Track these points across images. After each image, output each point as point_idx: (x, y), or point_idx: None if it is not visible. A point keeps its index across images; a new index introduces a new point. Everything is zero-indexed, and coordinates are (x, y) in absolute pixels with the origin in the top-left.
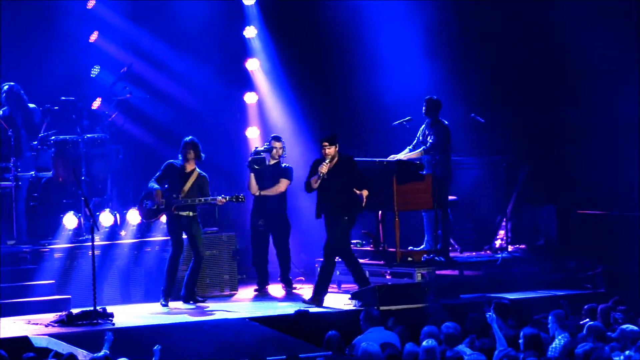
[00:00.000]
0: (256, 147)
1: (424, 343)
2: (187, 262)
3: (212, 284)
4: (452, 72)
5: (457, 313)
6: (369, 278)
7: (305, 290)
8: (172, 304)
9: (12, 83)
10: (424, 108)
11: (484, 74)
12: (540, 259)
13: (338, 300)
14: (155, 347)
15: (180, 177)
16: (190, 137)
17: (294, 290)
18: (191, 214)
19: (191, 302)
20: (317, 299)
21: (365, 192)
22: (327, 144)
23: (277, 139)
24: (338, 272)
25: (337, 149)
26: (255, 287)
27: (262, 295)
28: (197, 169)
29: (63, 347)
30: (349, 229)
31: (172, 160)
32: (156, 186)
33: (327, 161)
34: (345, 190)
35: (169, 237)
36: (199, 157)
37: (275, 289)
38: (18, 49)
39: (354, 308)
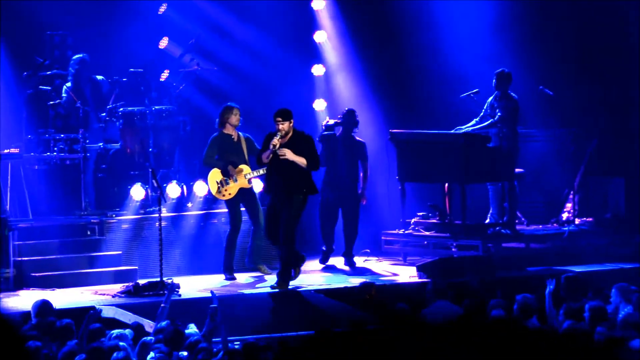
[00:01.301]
0: (327, 121)
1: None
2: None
3: (274, 256)
4: (521, 44)
5: (524, 286)
6: (436, 250)
7: (372, 263)
8: (237, 275)
9: (81, 55)
10: (494, 81)
11: (553, 47)
12: (608, 232)
13: (404, 273)
14: (211, 290)
15: (232, 147)
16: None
17: (358, 265)
18: (249, 185)
19: (256, 270)
20: (283, 284)
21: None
22: (280, 119)
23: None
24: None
25: (291, 124)
26: (320, 258)
27: (327, 267)
28: (240, 133)
29: (129, 318)
30: (302, 210)
31: (214, 134)
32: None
33: (278, 135)
34: (297, 168)
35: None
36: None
37: (340, 262)
38: (87, 22)
39: (420, 280)
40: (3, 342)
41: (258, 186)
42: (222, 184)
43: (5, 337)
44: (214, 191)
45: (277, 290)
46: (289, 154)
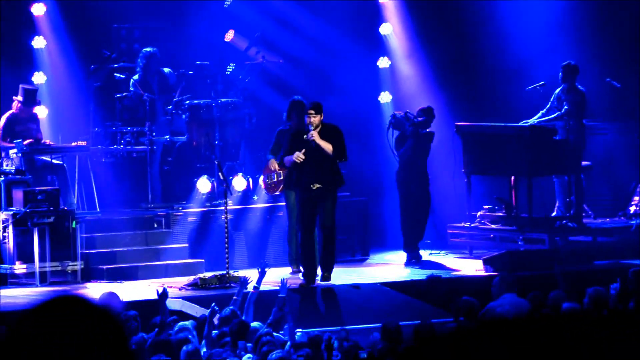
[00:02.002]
0: (394, 113)
1: None
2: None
3: (343, 249)
4: (587, 35)
5: (591, 280)
6: (502, 243)
7: (440, 257)
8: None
9: (150, 49)
10: (560, 74)
11: (620, 38)
12: None
13: (470, 266)
14: (282, 279)
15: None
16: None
17: (424, 259)
18: None
19: None
20: (309, 281)
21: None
22: (312, 112)
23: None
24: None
25: (321, 118)
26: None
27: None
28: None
29: (196, 310)
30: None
31: (281, 127)
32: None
33: (312, 128)
34: (330, 160)
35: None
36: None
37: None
38: (153, 15)
39: (486, 273)
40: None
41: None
42: (270, 177)
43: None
44: (261, 181)
45: (328, 282)
46: (316, 137)
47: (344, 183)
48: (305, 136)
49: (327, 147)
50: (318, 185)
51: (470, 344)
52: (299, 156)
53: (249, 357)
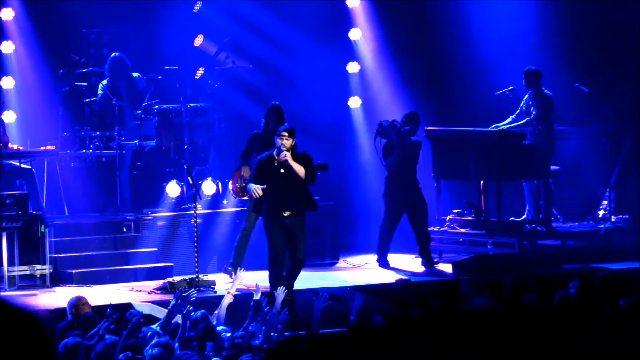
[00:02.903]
0: (380, 122)
1: None
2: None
3: (313, 253)
4: (557, 41)
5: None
6: (471, 248)
7: (409, 261)
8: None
9: (118, 53)
10: (523, 81)
11: (589, 43)
12: None
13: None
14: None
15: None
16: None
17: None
18: None
19: None
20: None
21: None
22: (286, 134)
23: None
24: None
25: (293, 143)
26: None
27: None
28: None
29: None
30: None
31: (255, 131)
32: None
33: (284, 149)
34: (304, 188)
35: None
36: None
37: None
38: (122, 20)
39: (455, 278)
40: (33, 341)
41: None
42: (240, 181)
43: (36, 336)
44: (231, 184)
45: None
46: (289, 158)
47: (317, 208)
48: (276, 158)
49: (300, 169)
50: (289, 213)
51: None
52: (257, 191)
53: None
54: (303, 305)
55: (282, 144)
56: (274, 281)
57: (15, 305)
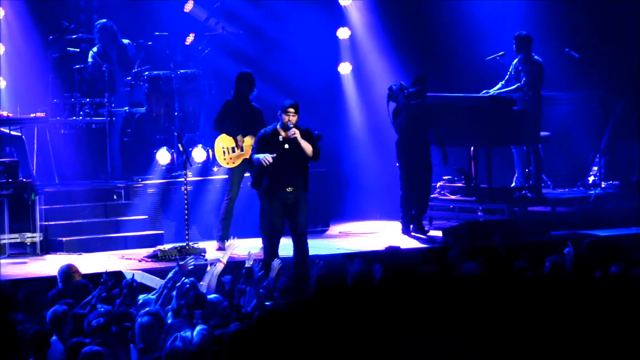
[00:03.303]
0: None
1: None
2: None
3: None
4: (548, 6)
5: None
6: (461, 214)
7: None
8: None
9: (104, 20)
10: (514, 45)
11: (580, 8)
12: (635, 195)
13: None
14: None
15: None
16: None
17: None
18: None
19: None
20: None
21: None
22: (292, 110)
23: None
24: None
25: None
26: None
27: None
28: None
29: (156, 282)
30: None
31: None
32: None
33: (292, 125)
34: (306, 165)
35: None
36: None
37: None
38: None
39: (445, 245)
40: None
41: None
42: (227, 150)
43: None
44: (218, 156)
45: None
46: (298, 135)
47: (307, 190)
48: (281, 136)
49: (307, 147)
50: (292, 188)
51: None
52: (266, 159)
53: (202, 327)
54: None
55: (288, 120)
56: (270, 253)
57: None
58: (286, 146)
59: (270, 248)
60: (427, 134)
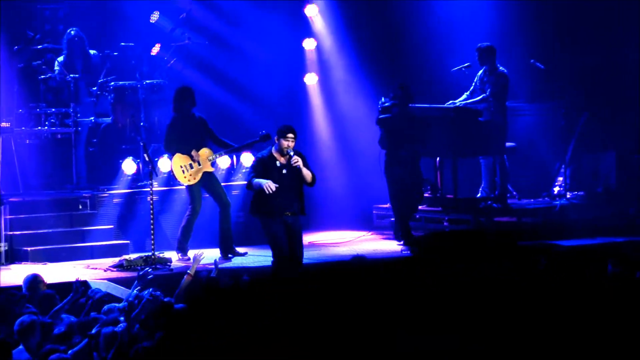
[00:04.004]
0: (383, 102)
1: None
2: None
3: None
4: (514, 16)
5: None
6: (427, 225)
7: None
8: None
9: (74, 29)
10: (477, 57)
11: (544, 18)
12: (600, 205)
13: (395, 247)
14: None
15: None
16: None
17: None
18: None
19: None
20: None
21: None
22: (292, 136)
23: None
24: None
25: None
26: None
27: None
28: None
29: (122, 292)
30: None
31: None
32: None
33: (292, 152)
34: (302, 189)
35: (226, 184)
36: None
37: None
38: None
39: (412, 254)
40: None
41: (249, 161)
42: (186, 168)
43: None
44: (179, 176)
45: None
46: (301, 163)
47: (305, 214)
48: (278, 161)
49: (307, 174)
50: (291, 213)
51: None
52: (269, 186)
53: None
54: None
55: (288, 146)
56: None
57: None
58: (284, 171)
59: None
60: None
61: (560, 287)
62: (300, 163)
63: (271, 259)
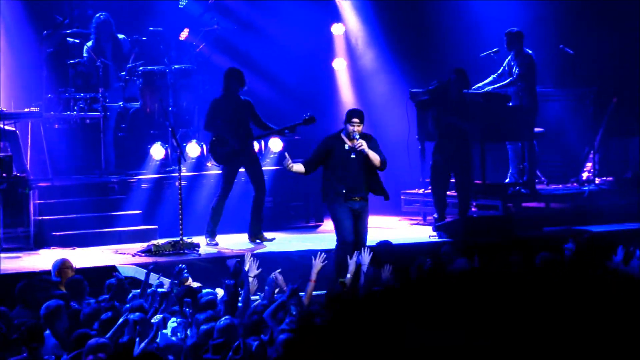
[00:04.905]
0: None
1: None
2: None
3: (298, 215)
4: (540, 1)
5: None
6: (455, 210)
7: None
8: (268, 235)
9: (103, 13)
10: (505, 42)
11: (573, 3)
12: (628, 191)
13: (422, 232)
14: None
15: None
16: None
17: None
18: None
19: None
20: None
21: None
22: (357, 120)
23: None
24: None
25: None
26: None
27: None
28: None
29: (150, 277)
30: None
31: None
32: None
33: (357, 136)
34: (373, 173)
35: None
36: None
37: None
38: None
39: (439, 240)
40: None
41: (277, 145)
42: (220, 146)
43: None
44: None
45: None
46: (365, 146)
47: (388, 197)
48: (347, 145)
49: (375, 157)
50: (359, 198)
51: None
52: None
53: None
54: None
55: (353, 131)
56: (339, 267)
57: None
58: (352, 155)
59: (340, 261)
60: (462, 130)
61: (575, 282)
62: (364, 147)
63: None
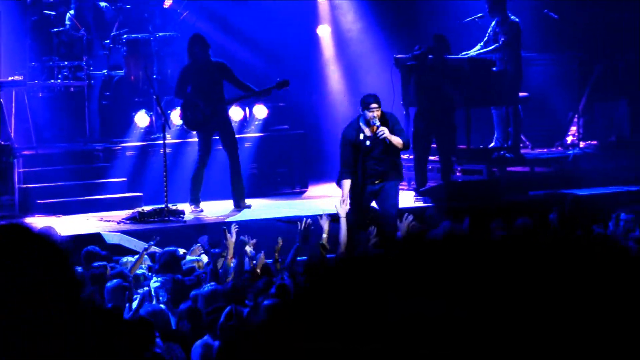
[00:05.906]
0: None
1: None
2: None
3: (283, 182)
4: None
5: (528, 210)
6: (439, 175)
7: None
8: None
9: None
10: (486, 7)
11: None
12: (612, 155)
13: (408, 197)
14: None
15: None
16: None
17: None
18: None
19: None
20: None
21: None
22: (376, 105)
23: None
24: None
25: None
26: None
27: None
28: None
29: (135, 244)
30: None
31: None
32: None
33: (377, 122)
34: (395, 153)
35: (239, 136)
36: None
37: None
38: None
39: (423, 205)
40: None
41: (262, 112)
42: (192, 113)
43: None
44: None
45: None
46: (387, 133)
47: (402, 178)
48: (363, 135)
49: (397, 141)
50: (380, 182)
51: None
52: (342, 204)
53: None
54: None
55: (373, 117)
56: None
57: (33, 230)
58: (367, 143)
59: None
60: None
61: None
62: (386, 134)
63: None
